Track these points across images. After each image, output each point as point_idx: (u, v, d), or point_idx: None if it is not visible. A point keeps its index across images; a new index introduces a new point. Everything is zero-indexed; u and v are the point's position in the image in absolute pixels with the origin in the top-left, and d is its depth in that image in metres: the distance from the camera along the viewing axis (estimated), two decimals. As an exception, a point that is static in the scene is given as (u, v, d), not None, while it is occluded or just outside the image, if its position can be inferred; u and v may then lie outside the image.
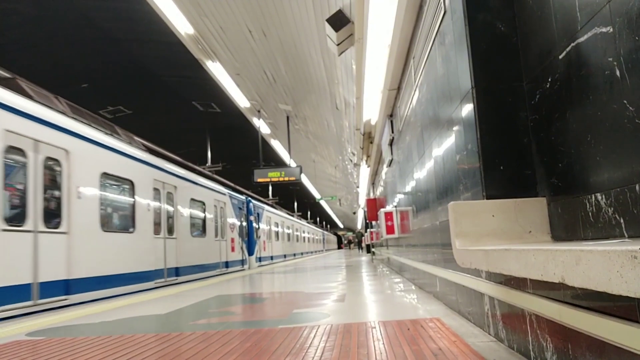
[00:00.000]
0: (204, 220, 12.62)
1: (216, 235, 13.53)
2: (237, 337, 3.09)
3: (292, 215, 34.38)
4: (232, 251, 15.05)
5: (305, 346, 2.72)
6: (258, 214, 19.24)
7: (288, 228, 28.26)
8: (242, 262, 16.30)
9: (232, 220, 15.31)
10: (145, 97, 15.17)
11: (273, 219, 23.02)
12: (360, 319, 3.61)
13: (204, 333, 3.33)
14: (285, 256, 25.86)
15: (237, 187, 20.40)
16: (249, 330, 3.36)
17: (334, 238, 76.09)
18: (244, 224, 17.13)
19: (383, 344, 2.67)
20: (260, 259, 18.93)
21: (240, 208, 16.54)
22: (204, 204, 12.62)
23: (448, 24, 2.99)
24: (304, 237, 37.15)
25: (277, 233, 23.98)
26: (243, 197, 17.46)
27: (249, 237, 17.58)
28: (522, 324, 2.17)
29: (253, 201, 18.74)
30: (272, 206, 25.86)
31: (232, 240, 15.16)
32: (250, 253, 17.49)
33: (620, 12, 1.45)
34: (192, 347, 2.85)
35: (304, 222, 39.68)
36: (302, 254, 33.84)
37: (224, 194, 14.76)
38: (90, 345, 3.08)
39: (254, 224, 18.32)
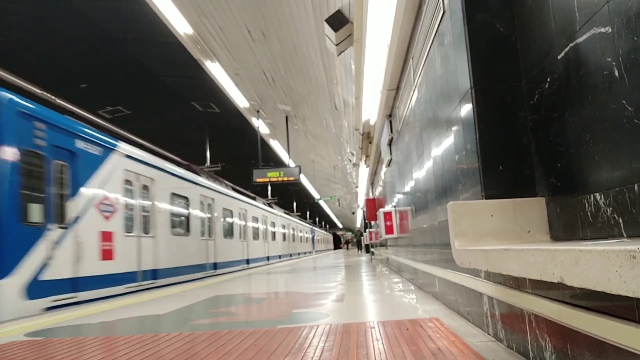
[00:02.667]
0: None
1: None
2: (236, 337, 3.09)
3: (256, 200, 21.71)
4: None
5: (304, 346, 2.72)
6: (87, 156, 7.41)
7: (231, 215, 15.83)
8: None
9: None
10: (145, 97, 15.16)
11: (170, 185, 10.82)
12: (360, 319, 3.61)
13: (203, 333, 3.32)
14: (229, 264, 14.83)
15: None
16: (247, 330, 3.35)
17: (328, 236, 66.28)
18: None
19: (382, 344, 2.67)
20: (86, 283, 7.03)
21: None
22: None
23: (447, 24, 2.99)
24: (275, 233, 24.74)
25: (188, 219, 11.88)
26: None
27: None
28: (521, 324, 2.17)
29: (43, 112, 6.51)
30: (187, 167, 13.45)
31: None
32: None
33: (619, 12, 1.46)
34: (190, 348, 2.85)
35: (278, 211, 26.79)
36: (267, 259, 21.96)
37: None
38: (89, 346, 3.07)
39: (31, 179, 6.15)
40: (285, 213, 30.09)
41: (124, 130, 12.29)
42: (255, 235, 19.96)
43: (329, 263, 16.19)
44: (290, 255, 29.02)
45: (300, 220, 38.40)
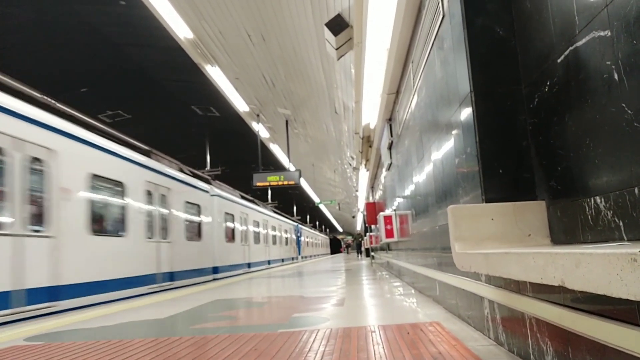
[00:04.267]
0: None
1: None
2: (237, 342, 3.08)
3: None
4: None
5: (304, 350, 2.71)
6: None
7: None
8: None
9: None
10: (145, 101, 15.19)
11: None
12: (360, 323, 3.60)
13: (203, 337, 3.31)
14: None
15: None
16: (248, 334, 3.34)
17: (323, 239, 57.61)
18: None
19: (383, 348, 2.66)
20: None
21: None
22: None
23: (447, 28, 3.00)
24: (212, 226, 13.28)
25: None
26: None
27: None
28: (522, 328, 2.17)
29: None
30: None
31: None
32: None
33: (618, 15, 1.46)
34: (191, 352, 2.84)
35: (231, 195, 16.01)
36: (178, 277, 10.40)
37: None
38: (89, 350, 3.06)
39: None
40: (244, 199, 18.66)
41: (124, 134, 12.29)
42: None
43: (328, 267, 16.17)
44: (249, 265, 17.28)
45: (275, 212, 25.97)
